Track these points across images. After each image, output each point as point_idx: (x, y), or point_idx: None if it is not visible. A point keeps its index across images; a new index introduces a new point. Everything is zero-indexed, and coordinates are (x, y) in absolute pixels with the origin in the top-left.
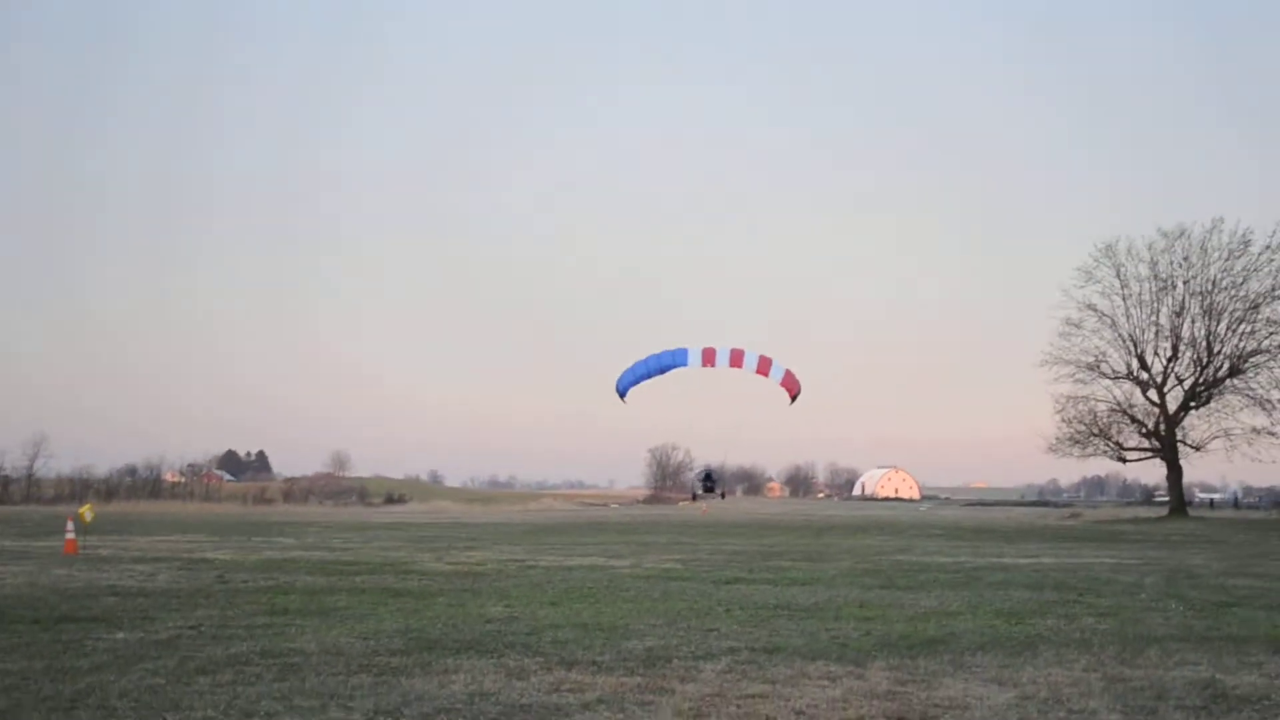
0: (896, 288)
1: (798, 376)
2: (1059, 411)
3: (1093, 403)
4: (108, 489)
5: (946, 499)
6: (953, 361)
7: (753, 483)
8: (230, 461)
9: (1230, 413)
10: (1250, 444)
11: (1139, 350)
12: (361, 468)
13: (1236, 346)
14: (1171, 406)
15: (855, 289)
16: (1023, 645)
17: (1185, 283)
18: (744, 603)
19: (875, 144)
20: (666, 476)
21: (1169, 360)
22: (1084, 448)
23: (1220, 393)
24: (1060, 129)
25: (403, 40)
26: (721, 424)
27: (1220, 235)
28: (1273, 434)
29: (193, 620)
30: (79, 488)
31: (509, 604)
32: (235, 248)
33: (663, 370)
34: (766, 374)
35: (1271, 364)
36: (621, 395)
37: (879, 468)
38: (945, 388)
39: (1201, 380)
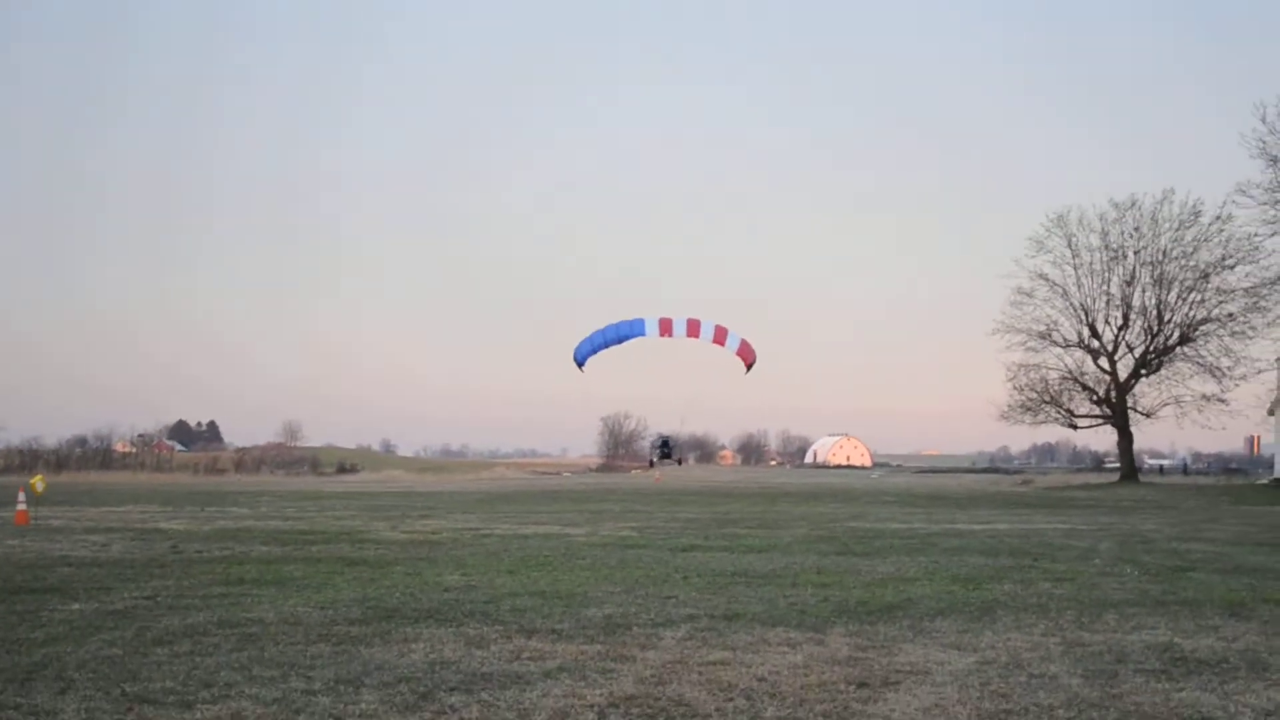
0: (850, 256)
1: (753, 346)
2: (1010, 379)
3: (1044, 370)
4: (58, 460)
5: (898, 466)
6: (904, 329)
7: (705, 450)
8: (181, 431)
9: (1180, 380)
10: (1200, 411)
11: (1090, 319)
12: (313, 437)
13: (1187, 315)
14: (1122, 374)
15: (804, 257)
16: (981, 610)
17: (1136, 253)
18: (701, 570)
19: (843, 120)
20: (619, 445)
21: (1120, 329)
22: (1035, 415)
23: (1170, 360)
24: (1022, 103)
25: (403, 39)
26: (675, 393)
27: (1171, 206)
28: (1222, 401)
29: (148, 590)
30: (28, 458)
31: (466, 573)
32: (198, 219)
33: (620, 340)
34: (723, 343)
35: (1221, 332)
36: (580, 364)
37: (830, 435)
38: (897, 356)
39: (1152, 348)
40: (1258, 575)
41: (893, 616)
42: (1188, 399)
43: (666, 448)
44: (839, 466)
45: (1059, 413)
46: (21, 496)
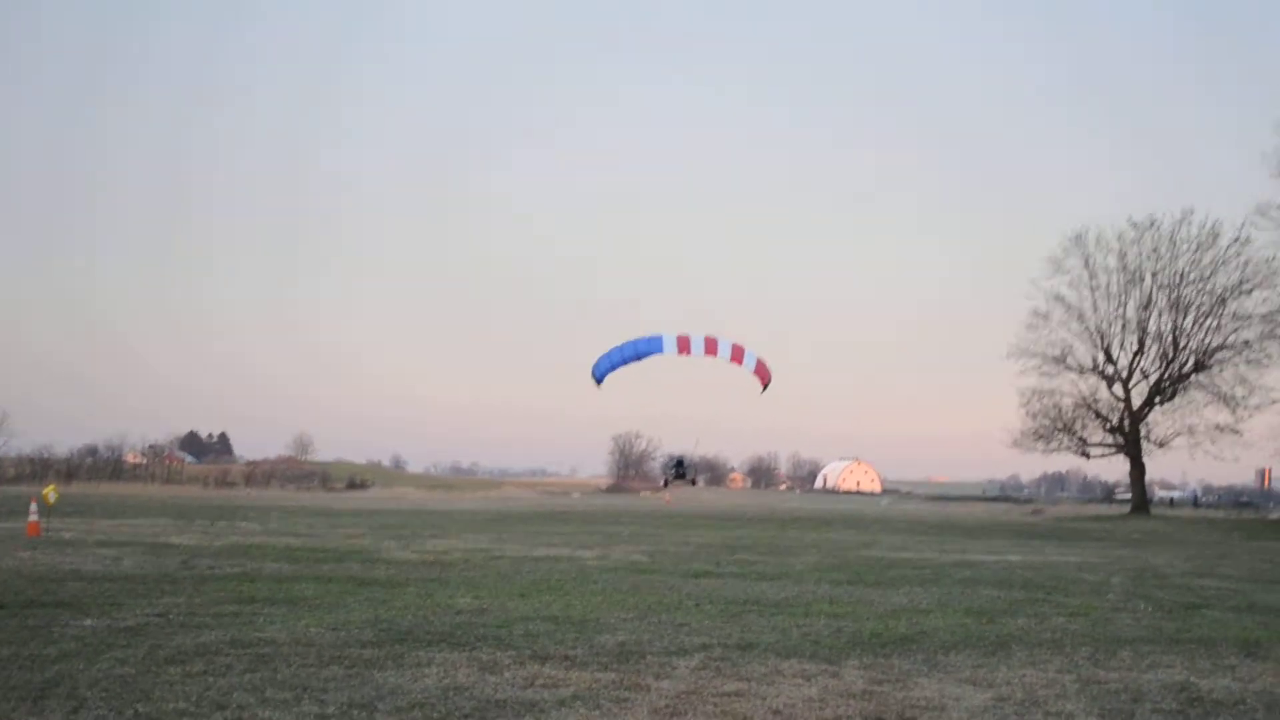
0: (861, 281)
1: (768, 365)
2: (1024, 405)
3: (1058, 396)
4: (68, 469)
5: (908, 493)
6: (916, 354)
7: (715, 473)
8: (192, 443)
9: (1194, 409)
10: (1214, 441)
11: (1105, 343)
12: (324, 452)
13: (1202, 341)
14: (1136, 401)
15: (820, 282)
16: (995, 645)
17: (1154, 275)
18: (713, 597)
19: (856, 138)
20: (629, 465)
21: (1135, 354)
22: (1048, 442)
23: (1185, 388)
24: (1039, 122)
25: (411, 24)
26: (686, 413)
27: (1189, 227)
28: (1236, 431)
29: (160, 607)
30: (39, 468)
31: (478, 595)
32: (208, 229)
33: (639, 357)
34: (740, 362)
35: (1236, 360)
36: (598, 381)
37: (841, 460)
38: (907, 381)
39: (1167, 375)
40: (1273, 614)
41: (907, 649)
42: (1201, 429)
43: (681, 467)
44: (848, 492)
45: (1072, 441)
46: (33, 507)
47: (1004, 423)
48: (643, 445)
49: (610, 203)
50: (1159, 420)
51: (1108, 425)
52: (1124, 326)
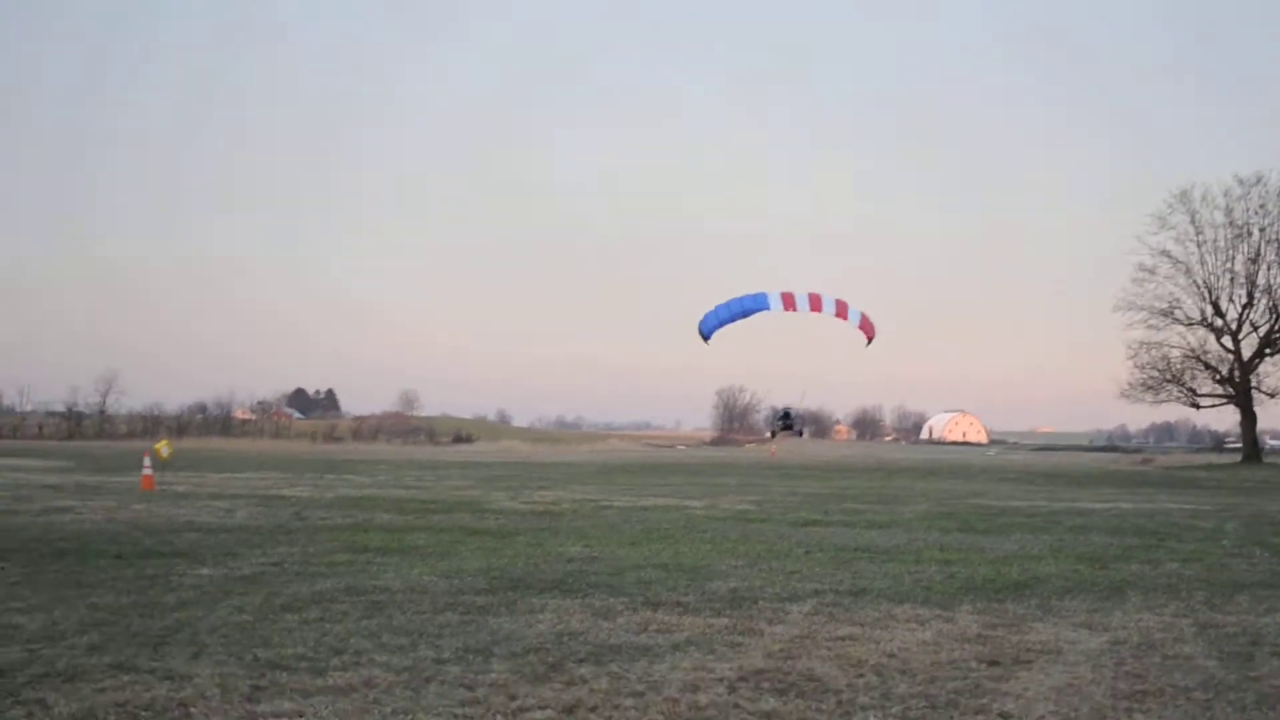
0: (966, 228)
1: (872, 320)
2: (1132, 357)
3: (1166, 349)
4: (179, 426)
5: (1014, 444)
6: (1020, 305)
7: (820, 425)
8: (299, 399)
9: None
10: None
11: (1214, 297)
12: (430, 407)
13: None
14: (1246, 353)
15: (925, 229)
16: (1109, 590)
17: (1261, 230)
18: (823, 545)
19: (941, 88)
20: (734, 418)
21: (1244, 307)
22: (1157, 393)
23: None
24: (1126, 77)
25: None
26: (789, 368)
27: None
28: None
29: (275, 557)
30: (151, 424)
31: (588, 544)
32: (325, 185)
33: (745, 314)
34: (845, 318)
35: None
36: (706, 338)
37: (946, 411)
38: (1014, 331)
39: (1277, 328)
40: None
41: (1020, 595)
42: None
43: (788, 419)
44: (954, 443)
45: (1181, 391)
46: (147, 461)
47: (1111, 374)
48: (746, 399)
49: (712, 162)
50: (1270, 371)
51: (1217, 376)
52: (1232, 280)
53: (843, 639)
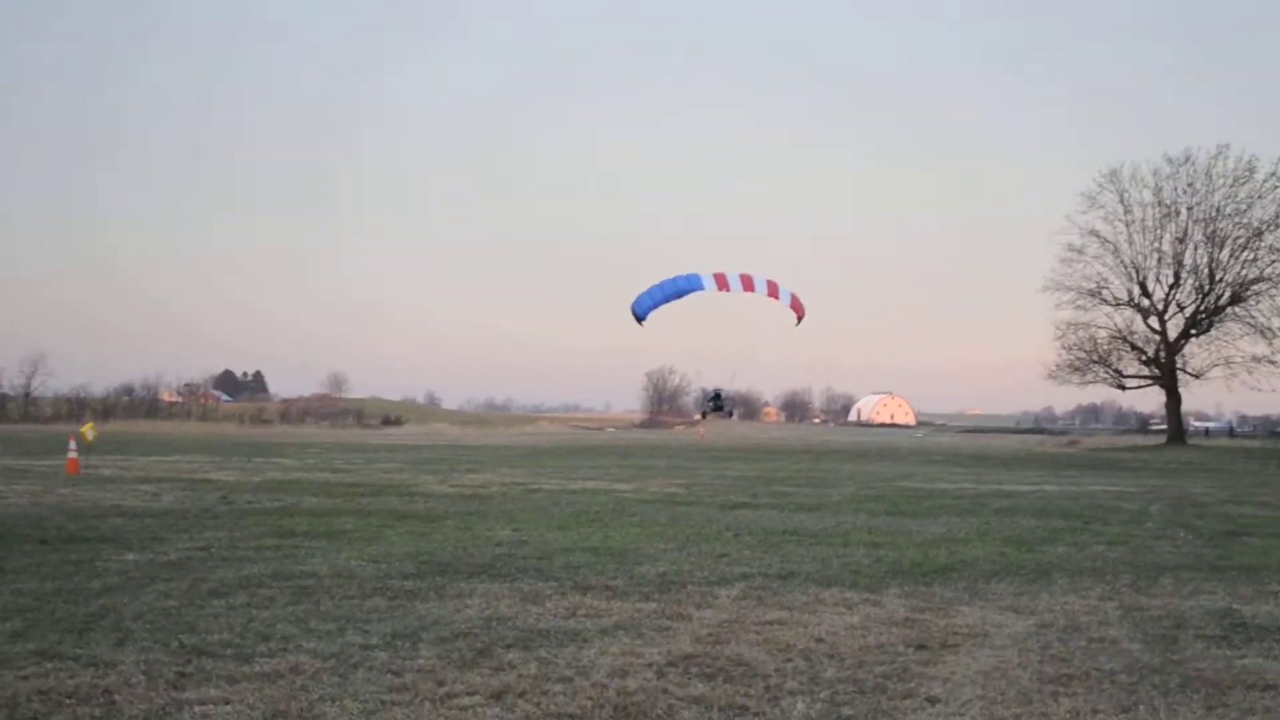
0: (893, 214)
1: (801, 300)
2: (1059, 338)
3: (1093, 329)
4: (105, 408)
5: (942, 425)
6: (948, 288)
7: (749, 407)
8: (227, 381)
9: (1230, 340)
10: (1250, 372)
11: (1141, 277)
12: (358, 389)
13: (1238, 274)
14: (1172, 334)
15: (853, 215)
16: (1036, 573)
17: (1189, 209)
18: (751, 528)
19: (876, 76)
20: (663, 400)
21: (1170, 287)
22: (1083, 375)
23: (1221, 320)
24: (1062, 57)
25: None
26: (719, 349)
27: (1225, 162)
28: (1273, 362)
29: (201, 541)
30: (76, 407)
31: (517, 527)
32: (231, 169)
33: (679, 294)
34: (776, 297)
35: (1273, 291)
36: (640, 319)
37: (875, 394)
38: (941, 314)
39: (1203, 308)
40: None
41: (947, 578)
42: (1238, 360)
43: (719, 400)
44: (883, 425)
45: (1108, 373)
46: (72, 445)
47: (1038, 356)
48: (676, 381)
49: (645, 144)
50: (1195, 352)
51: (1143, 357)
52: (1159, 260)
53: (771, 623)
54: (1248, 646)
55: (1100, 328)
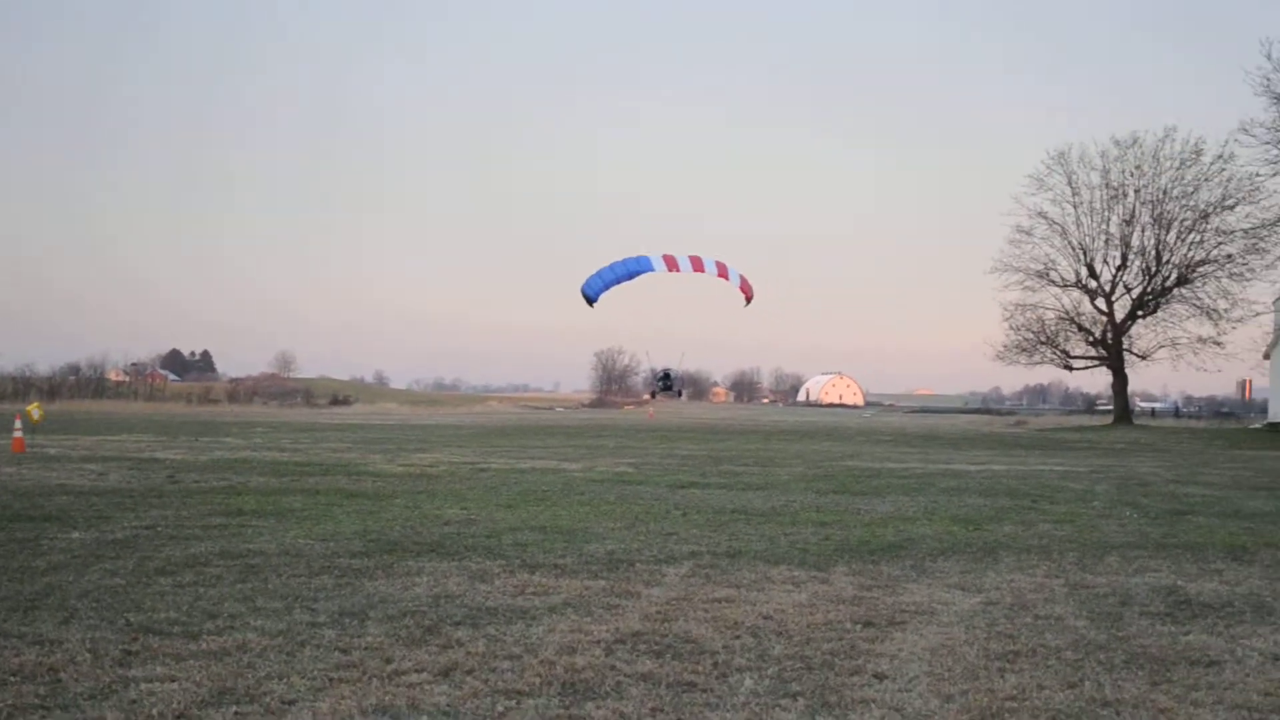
0: (843, 196)
1: (750, 282)
2: (1007, 319)
3: (1041, 310)
4: (50, 388)
5: (890, 405)
6: (897, 269)
7: (698, 387)
8: (174, 361)
9: (1177, 322)
10: (1196, 353)
11: (1088, 258)
12: (307, 369)
13: (1185, 256)
14: (1119, 315)
15: (802, 198)
16: (983, 551)
17: (1136, 191)
18: (700, 507)
19: (828, 54)
20: (612, 380)
21: (1118, 269)
22: (1031, 355)
23: (1167, 302)
24: (1014, 40)
25: None
26: (668, 329)
27: (1173, 144)
28: (1218, 344)
29: (148, 520)
30: (22, 386)
31: (465, 506)
32: (176, 149)
33: (630, 276)
34: (726, 277)
35: (1219, 274)
36: (592, 301)
37: (823, 374)
38: (891, 294)
39: (1149, 289)
40: (1257, 520)
41: (895, 556)
42: (1184, 341)
43: (668, 380)
44: (831, 405)
45: (1055, 353)
46: (18, 424)
47: (986, 337)
48: (625, 361)
49: (597, 124)
50: (1142, 333)
51: (1090, 338)
52: (1107, 242)
53: (719, 601)
54: (1192, 623)
55: (1048, 309)
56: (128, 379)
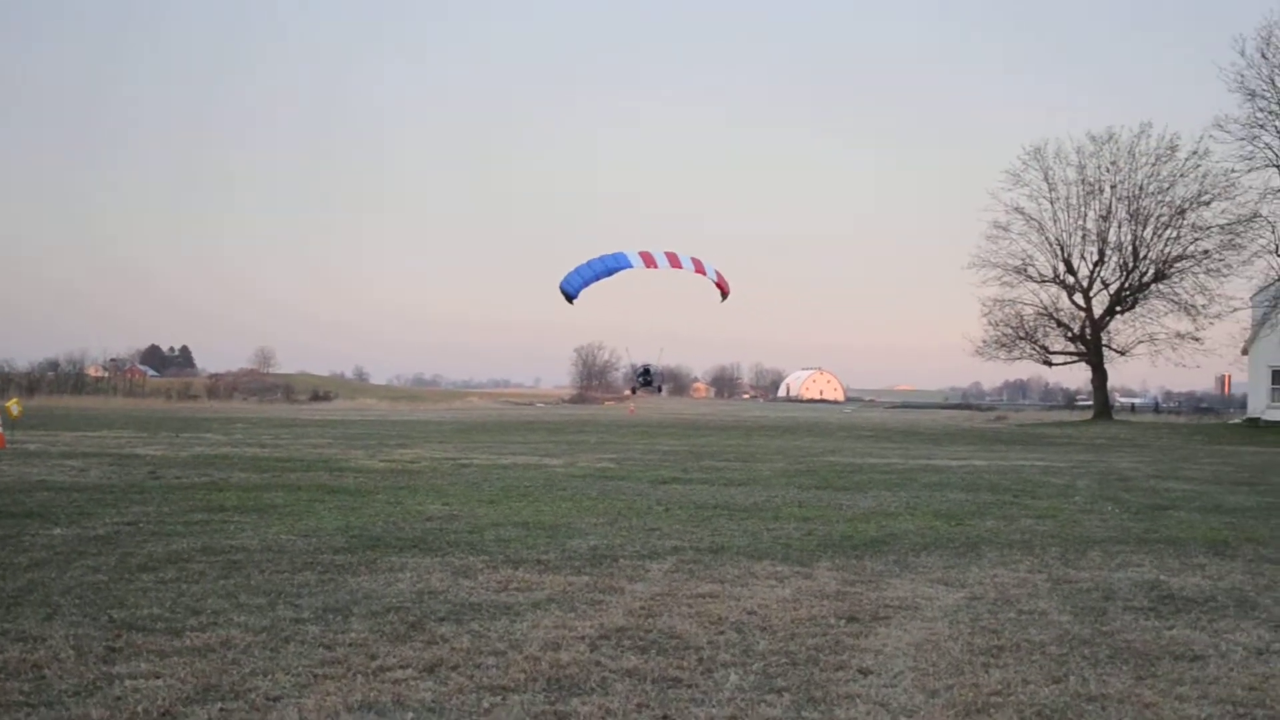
0: (823, 192)
1: (726, 278)
2: (986, 315)
3: (1019, 306)
4: (29, 383)
5: (871, 401)
6: (879, 263)
7: (679, 383)
8: (154, 356)
9: (1155, 317)
10: (1174, 349)
11: (1066, 254)
12: (287, 364)
13: (1162, 252)
14: (1097, 311)
15: (802, 198)
16: (965, 547)
17: (1113, 187)
18: (683, 502)
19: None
20: (592, 376)
21: (1095, 264)
22: (1010, 351)
23: (1145, 297)
24: (990, 34)
25: None
26: (648, 325)
27: (1148, 140)
28: (1196, 339)
29: (129, 516)
30: (0, 382)
31: (447, 502)
32: (150, 146)
33: (609, 272)
34: (703, 273)
35: (1196, 269)
36: (571, 298)
37: (803, 369)
38: (870, 290)
39: (1127, 285)
40: (1238, 514)
41: (878, 551)
42: (1162, 336)
43: (648, 375)
44: (812, 400)
45: (1034, 349)
46: None
47: (965, 332)
48: (605, 356)
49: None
50: (1120, 329)
51: (1069, 334)
52: (1084, 237)
53: (703, 596)
54: (1175, 618)
55: (1026, 304)
56: (107, 375)
